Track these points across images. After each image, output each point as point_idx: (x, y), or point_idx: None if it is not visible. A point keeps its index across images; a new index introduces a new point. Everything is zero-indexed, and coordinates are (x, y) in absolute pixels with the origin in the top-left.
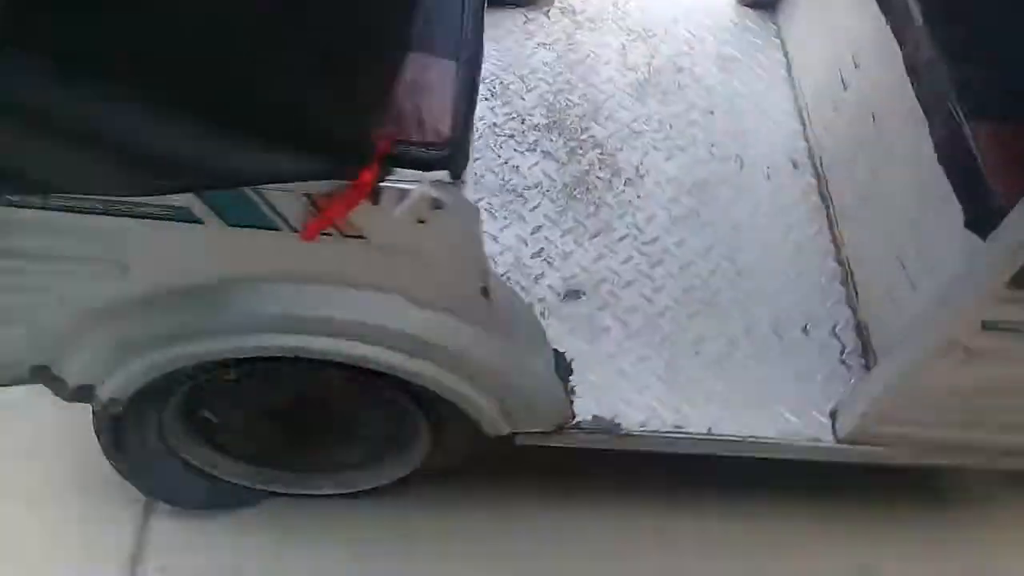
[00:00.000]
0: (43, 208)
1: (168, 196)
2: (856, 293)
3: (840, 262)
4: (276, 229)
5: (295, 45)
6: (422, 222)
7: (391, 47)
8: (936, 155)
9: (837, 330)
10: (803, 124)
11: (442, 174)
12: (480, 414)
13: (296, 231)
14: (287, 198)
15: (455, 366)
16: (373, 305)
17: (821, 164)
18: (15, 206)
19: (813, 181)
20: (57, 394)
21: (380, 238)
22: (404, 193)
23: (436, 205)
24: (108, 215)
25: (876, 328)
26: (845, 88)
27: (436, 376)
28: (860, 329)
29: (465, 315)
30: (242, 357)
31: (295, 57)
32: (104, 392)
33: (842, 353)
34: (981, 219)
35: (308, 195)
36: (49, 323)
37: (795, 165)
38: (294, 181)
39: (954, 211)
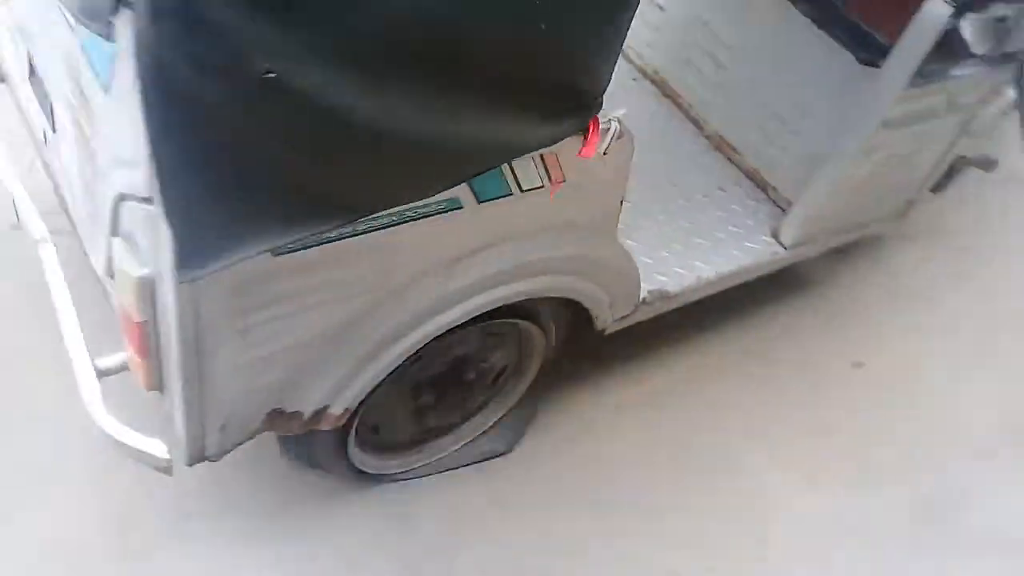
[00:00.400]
0: (330, 241)
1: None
2: (736, 153)
3: (708, 137)
4: (511, 195)
5: (516, 23)
6: (606, 154)
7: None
8: (813, 24)
9: (740, 182)
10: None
11: (620, 112)
12: (600, 310)
13: (524, 191)
14: (525, 163)
15: (598, 274)
16: (561, 240)
17: (656, 72)
18: (305, 247)
19: (653, 87)
20: (284, 431)
21: (577, 177)
22: (603, 132)
23: (619, 136)
24: (386, 228)
25: (770, 169)
26: (663, 9)
27: (586, 288)
28: (753, 175)
29: (607, 228)
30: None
31: (523, 35)
32: (337, 407)
33: (752, 195)
34: (872, 55)
35: (541, 156)
36: (298, 361)
37: (632, 79)
38: (552, 144)
39: (824, 67)
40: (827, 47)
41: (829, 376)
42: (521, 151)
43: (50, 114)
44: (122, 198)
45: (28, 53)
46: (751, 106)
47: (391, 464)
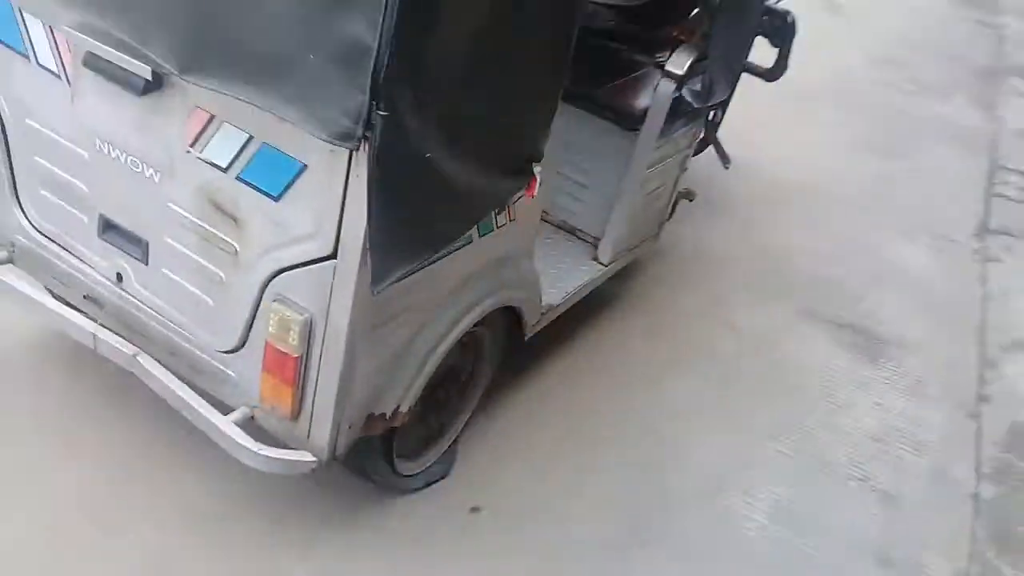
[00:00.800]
0: (421, 268)
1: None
2: (546, 214)
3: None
4: (493, 231)
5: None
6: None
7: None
8: (588, 113)
9: (555, 233)
10: None
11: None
12: (530, 316)
13: (499, 227)
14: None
15: (527, 286)
16: (513, 260)
17: None
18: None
19: None
20: (373, 432)
21: (520, 213)
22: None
23: (540, 181)
24: (442, 258)
25: (574, 218)
26: None
27: (523, 297)
28: (563, 225)
29: (530, 249)
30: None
31: (511, 123)
32: (404, 407)
33: (567, 238)
34: (632, 124)
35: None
36: (388, 368)
37: None
38: (519, 191)
39: (601, 139)
40: (601, 126)
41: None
42: (509, 196)
43: (143, 253)
44: (278, 273)
45: (101, 217)
46: (552, 178)
47: (412, 467)
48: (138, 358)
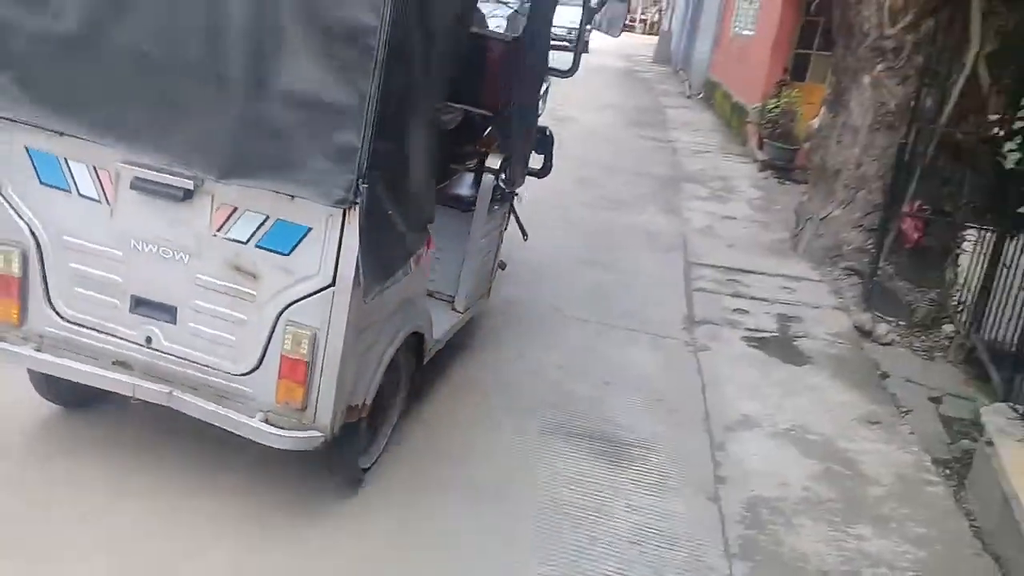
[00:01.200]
0: (395, 283)
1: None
2: None
3: None
4: (410, 273)
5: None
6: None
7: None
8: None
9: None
10: None
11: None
12: (430, 343)
13: (410, 272)
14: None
15: (429, 320)
16: (422, 294)
17: None
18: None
19: None
20: (350, 420)
21: (421, 263)
22: None
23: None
24: (396, 283)
25: (432, 286)
26: None
27: (428, 327)
28: (431, 294)
29: (425, 287)
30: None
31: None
32: (369, 399)
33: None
34: (467, 207)
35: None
36: (362, 364)
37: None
38: (421, 245)
39: (448, 220)
40: (446, 212)
41: None
42: (419, 246)
43: (172, 317)
44: (289, 305)
45: (133, 297)
46: None
47: (364, 460)
48: (173, 394)
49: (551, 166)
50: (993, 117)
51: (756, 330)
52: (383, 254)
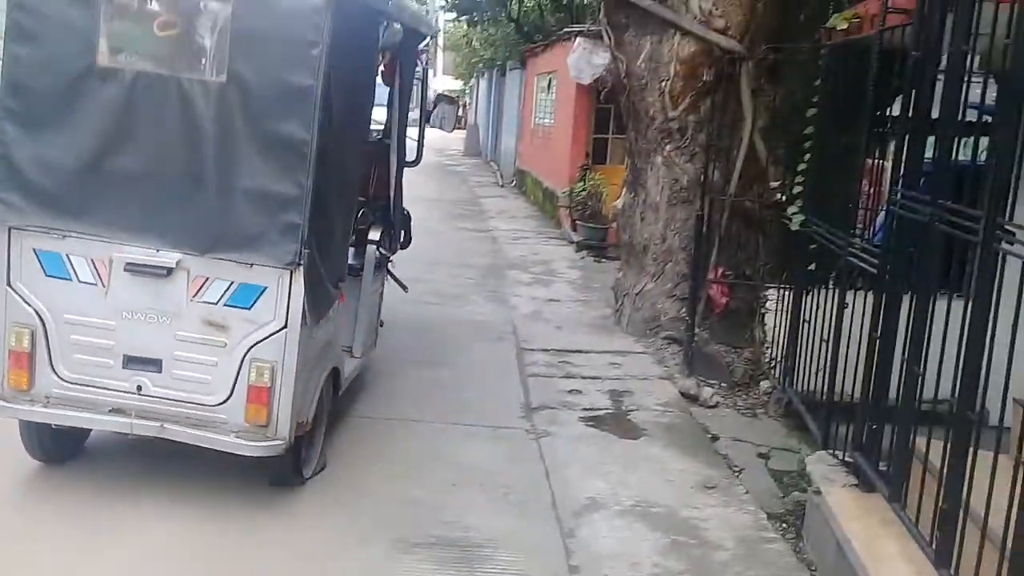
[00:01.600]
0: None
1: None
2: None
3: None
4: (329, 319)
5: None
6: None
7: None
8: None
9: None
10: None
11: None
12: (343, 379)
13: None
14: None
15: (343, 360)
16: (338, 344)
17: None
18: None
19: None
20: (299, 433)
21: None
22: None
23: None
24: (324, 324)
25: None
26: None
27: (343, 365)
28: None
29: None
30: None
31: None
32: (310, 418)
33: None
34: (357, 273)
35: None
36: (307, 385)
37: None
38: (336, 298)
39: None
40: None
41: None
42: (335, 299)
43: (157, 368)
44: (252, 347)
45: (124, 356)
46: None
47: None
48: (164, 427)
49: (411, 238)
50: (774, 184)
51: (591, 408)
52: (319, 300)
